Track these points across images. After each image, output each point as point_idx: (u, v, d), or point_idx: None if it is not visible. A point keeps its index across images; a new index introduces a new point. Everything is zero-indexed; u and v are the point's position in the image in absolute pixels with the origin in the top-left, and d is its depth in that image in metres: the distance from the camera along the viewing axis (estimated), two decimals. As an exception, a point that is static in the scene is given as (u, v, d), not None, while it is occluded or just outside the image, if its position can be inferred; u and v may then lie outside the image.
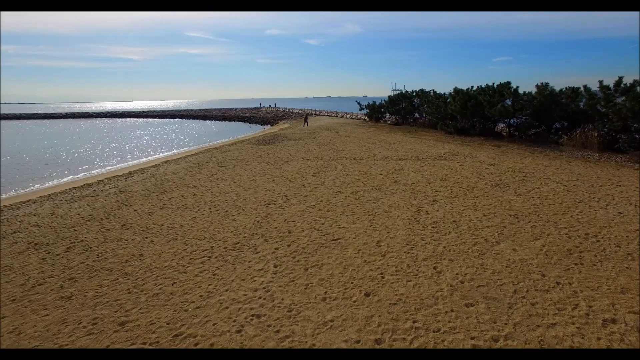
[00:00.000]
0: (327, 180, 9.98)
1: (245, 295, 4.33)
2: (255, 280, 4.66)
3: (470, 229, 6.17)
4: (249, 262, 5.20)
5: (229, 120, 53.64)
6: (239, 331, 3.66)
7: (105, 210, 8.00)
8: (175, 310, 4.06)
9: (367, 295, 4.25)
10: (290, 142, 18.52)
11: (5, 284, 4.77)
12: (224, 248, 5.70)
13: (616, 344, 3.32)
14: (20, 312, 4.14)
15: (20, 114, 71.80)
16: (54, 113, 72.66)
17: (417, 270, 4.80)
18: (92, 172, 16.23)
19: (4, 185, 13.57)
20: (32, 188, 13.24)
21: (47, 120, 60.72)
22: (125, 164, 18.22)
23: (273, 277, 4.73)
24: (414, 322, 3.71)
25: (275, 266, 5.03)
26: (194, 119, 60.00)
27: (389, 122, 28.76)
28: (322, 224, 6.63)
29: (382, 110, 29.91)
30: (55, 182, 14.24)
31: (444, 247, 5.46)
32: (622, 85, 13.34)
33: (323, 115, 43.78)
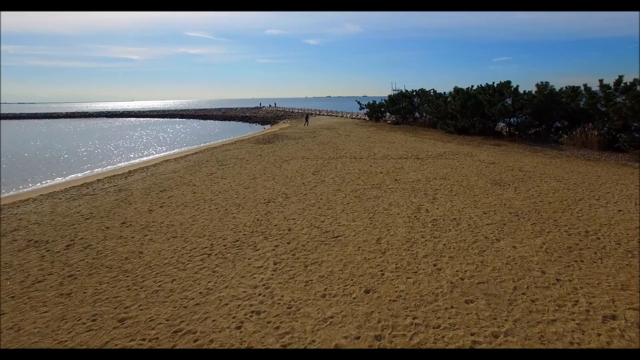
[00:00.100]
0: (327, 178, 9.97)
1: (244, 292, 4.32)
2: (255, 278, 4.66)
3: (471, 226, 6.16)
4: (249, 259, 5.19)
5: (229, 120, 53.65)
6: (238, 327, 3.65)
7: (105, 208, 8.00)
8: (174, 307, 4.06)
9: (367, 292, 4.25)
10: (290, 141, 18.52)
11: (5, 281, 4.77)
12: (224, 245, 5.70)
13: (616, 339, 3.31)
14: (19, 308, 4.14)
15: (21, 113, 71.79)
16: (54, 113, 72.63)
17: (417, 267, 4.80)
18: (94, 171, 16.22)
19: (4, 185, 13.57)
20: (32, 187, 13.23)
21: (47, 120, 60.70)
22: (125, 163, 18.22)
23: (273, 274, 4.72)
24: (414, 319, 3.70)
25: (275, 263, 5.03)
26: (194, 118, 60.02)
27: (389, 121, 28.75)
28: (322, 221, 6.62)
29: (382, 109, 29.90)
30: (56, 180, 14.24)
31: (444, 245, 5.46)
32: (622, 84, 13.33)
33: (323, 114, 43.76)
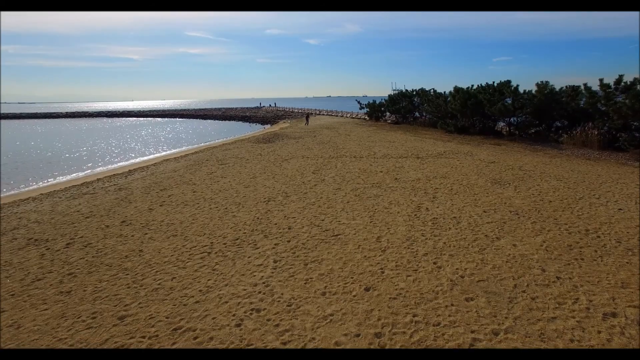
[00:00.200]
0: (327, 177, 9.97)
1: (244, 289, 4.32)
2: (254, 275, 4.65)
3: (471, 225, 6.16)
4: (249, 257, 5.19)
5: (229, 120, 53.65)
6: (238, 325, 3.65)
7: (104, 207, 7.99)
8: (174, 305, 4.05)
9: (367, 289, 4.24)
10: (290, 140, 18.52)
11: (5, 279, 4.77)
12: (224, 244, 5.69)
13: (616, 337, 3.31)
14: (19, 306, 4.14)
15: (21, 113, 71.76)
16: (54, 112, 72.61)
17: (417, 265, 4.79)
18: (95, 170, 16.22)
19: (4, 184, 13.56)
20: (32, 186, 13.23)
21: (47, 120, 60.68)
22: (125, 162, 18.21)
23: (273, 272, 4.72)
24: (414, 316, 3.70)
25: (275, 261, 5.03)
26: (194, 118, 60.01)
27: (389, 121, 28.74)
28: (322, 220, 6.62)
29: (382, 109, 29.90)
30: (57, 180, 14.24)
31: (444, 243, 5.45)
32: (622, 84, 13.32)
33: (323, 114, 43.76)
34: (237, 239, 5.86)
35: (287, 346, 3.33)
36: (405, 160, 12.09)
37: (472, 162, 11.47)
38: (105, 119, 61.62)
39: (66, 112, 73.67)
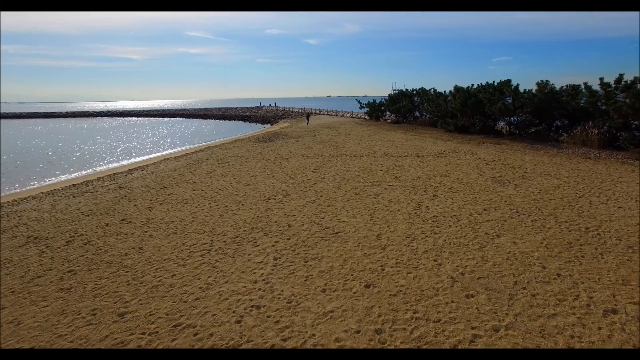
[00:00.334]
0: (327, 176, 9.96)
1: (244, 287, 4.32)
2: (255, 273, 4.65)
3: (471, 222, 6.16)
4: (249, 255, 5.19)
5: (230, 120, 53.68)
6: (238, 322, 3.65)
7: (104, 205, 7.99)
8: (174, 302, 4.05)
9: (367, 286, 4.24)
10: (290, 139, 18.51)
11: (5, 277, 4.77)
12: (224, 242, 5.69)
13: (617, 333, 3.30)
14: (19, 303, 4.13)
15: (21, 113, 71.75)
16: (54, 112, 72.60)
17: (418, 262, 4.79)
18: (95, 169, 16.21)
19: (5, 183, 13.56)
20: (33, 185, 13.23)
21: (47, 119, 60.68)
22: (126, 161, 18.21)
23: (273, 270, 4.71)
24: (414, 313, 3.70)
25: (275, 259, 5.02)
26: (195, 118, 60.02)
27: (389, 120, 28.73)
28: (322, 218, 6.61)
29: (383, 108, 29.89)
30: (59, 178, 14.23)
31: (445, 240, 5.45)
32: (622, 83, 13.31)
33: (323, 114, 43.75)
34: (237, 237, 5.86)
35: (287, 342, 3.33)
36: (405, 159, 12.09)
37: (472, 161, 11.47)
38: (105, 119, 61.61)
39: (66, 112, 73.65)
